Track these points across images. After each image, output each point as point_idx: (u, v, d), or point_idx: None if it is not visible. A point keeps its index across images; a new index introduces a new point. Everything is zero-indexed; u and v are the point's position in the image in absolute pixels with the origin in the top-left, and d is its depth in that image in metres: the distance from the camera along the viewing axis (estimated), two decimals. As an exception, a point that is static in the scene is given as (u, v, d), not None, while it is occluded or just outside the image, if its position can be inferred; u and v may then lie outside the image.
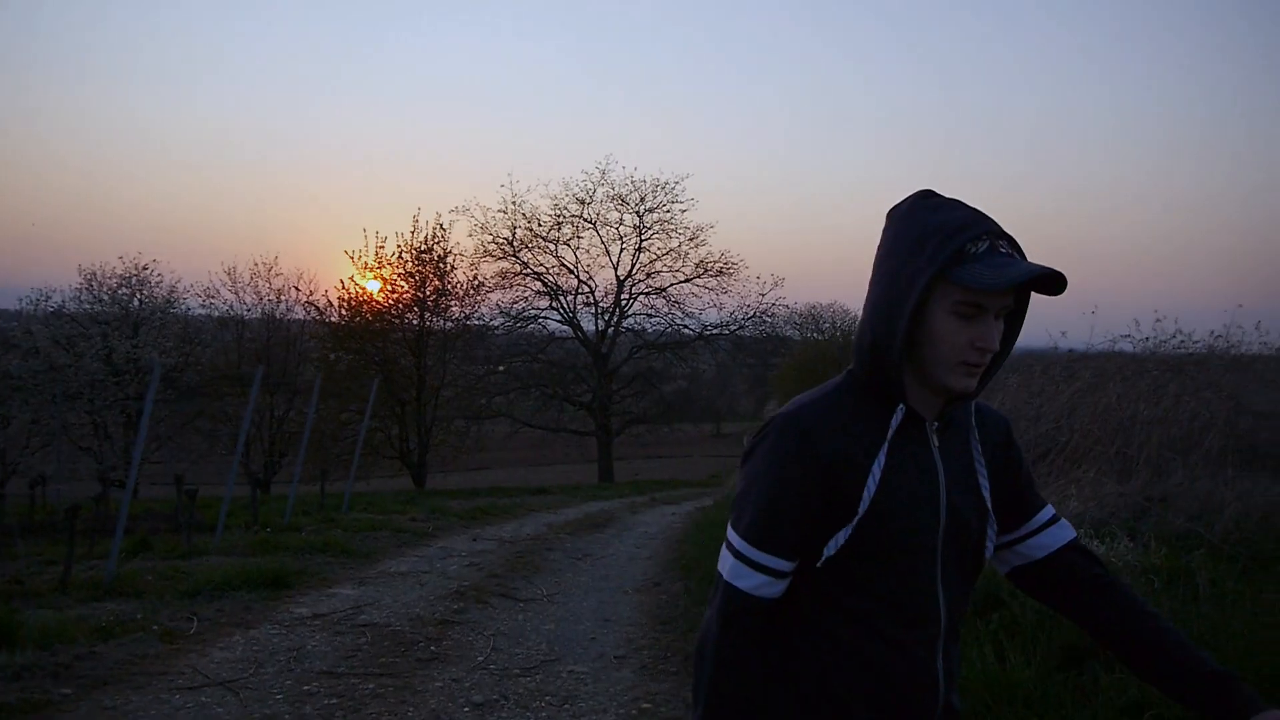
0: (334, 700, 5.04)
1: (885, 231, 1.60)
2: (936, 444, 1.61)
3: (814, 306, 52.30)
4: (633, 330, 36.14)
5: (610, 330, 35.46)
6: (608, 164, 35.79)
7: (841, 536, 1.53)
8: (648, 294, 35.45)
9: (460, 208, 37.91)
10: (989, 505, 1.63)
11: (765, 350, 44.72)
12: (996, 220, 1.54)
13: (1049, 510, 1.76)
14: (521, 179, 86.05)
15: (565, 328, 35.61)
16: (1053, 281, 1.50)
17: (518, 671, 5.67)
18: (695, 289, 35.10)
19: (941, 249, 1.48)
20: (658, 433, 37.87)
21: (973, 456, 1.65)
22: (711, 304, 35.18)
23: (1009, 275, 1.44)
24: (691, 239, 34.70)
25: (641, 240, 34.85)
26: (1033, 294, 1.61)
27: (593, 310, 35.40)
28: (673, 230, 34.60)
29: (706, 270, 34.79)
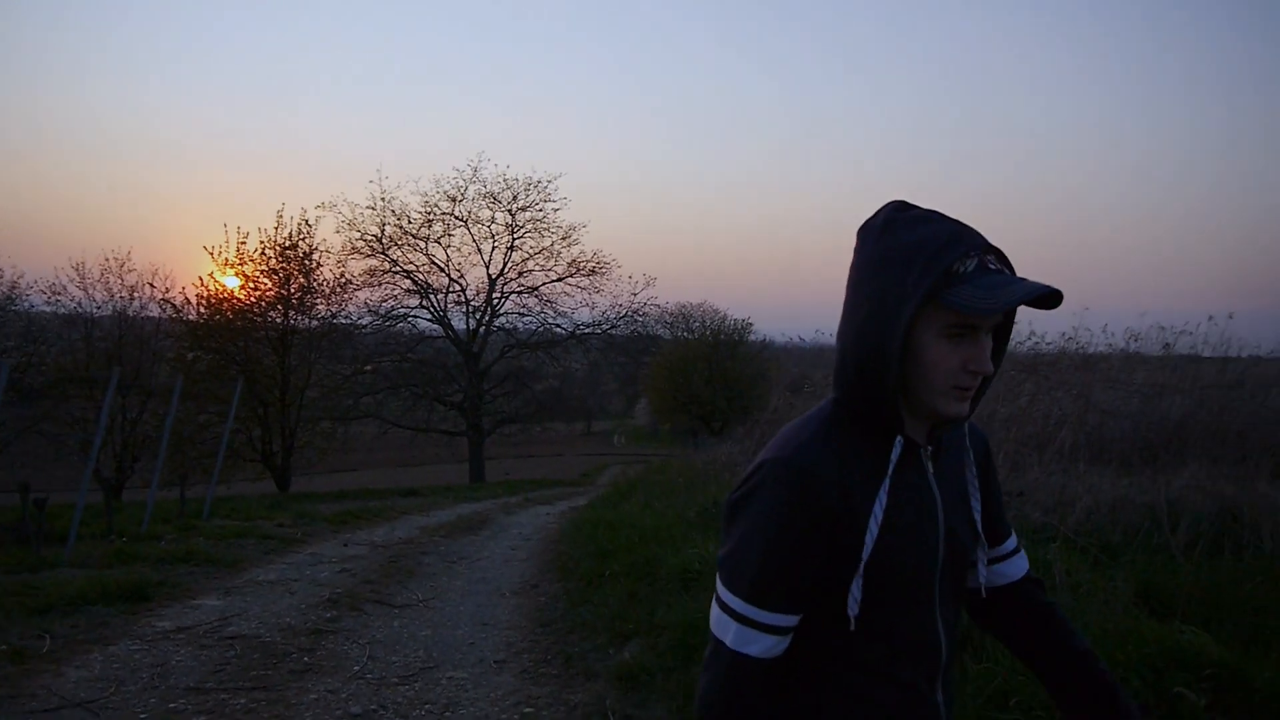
0: (203, 717, 4.85)
1: (860, 250, 1.49)
2: (931, 470, 1.54)
3: (685, 306, 53.05)
4: (504, 329, 35.89)
5: (482, 329, 35.13)
6: (480, 161, 35.57)
7: (856, 589, 1.42)
8: (520, 293, 35.29)
9: (327, 203, 36.87)
10: (979, 528, 1.58)
11: (637, 349, 45.02)
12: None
13: (1014, 538, 1.73)
14: (392, 175, 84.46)
15: (435, 327, 35.10)
16: (1048, 297, 1.40)
17: (396, 680, 5.56)
18: (567, 288, 35.13)
19: (929, 270, 1.38)
20: (529, 432, 37.73)
21: (967, 479, 1.60)
22: (584, 303, 35.28)
23: (1004, 298, 1.35)
24: (564, 238, 34.71)
25: (514, 239, 34.66)
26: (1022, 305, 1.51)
27: (464, 309, 35.02)
28: (545, 229, 34.55)
29: (579, 269, 34.85)
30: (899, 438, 1.46)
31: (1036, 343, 10.65)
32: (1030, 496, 7.14)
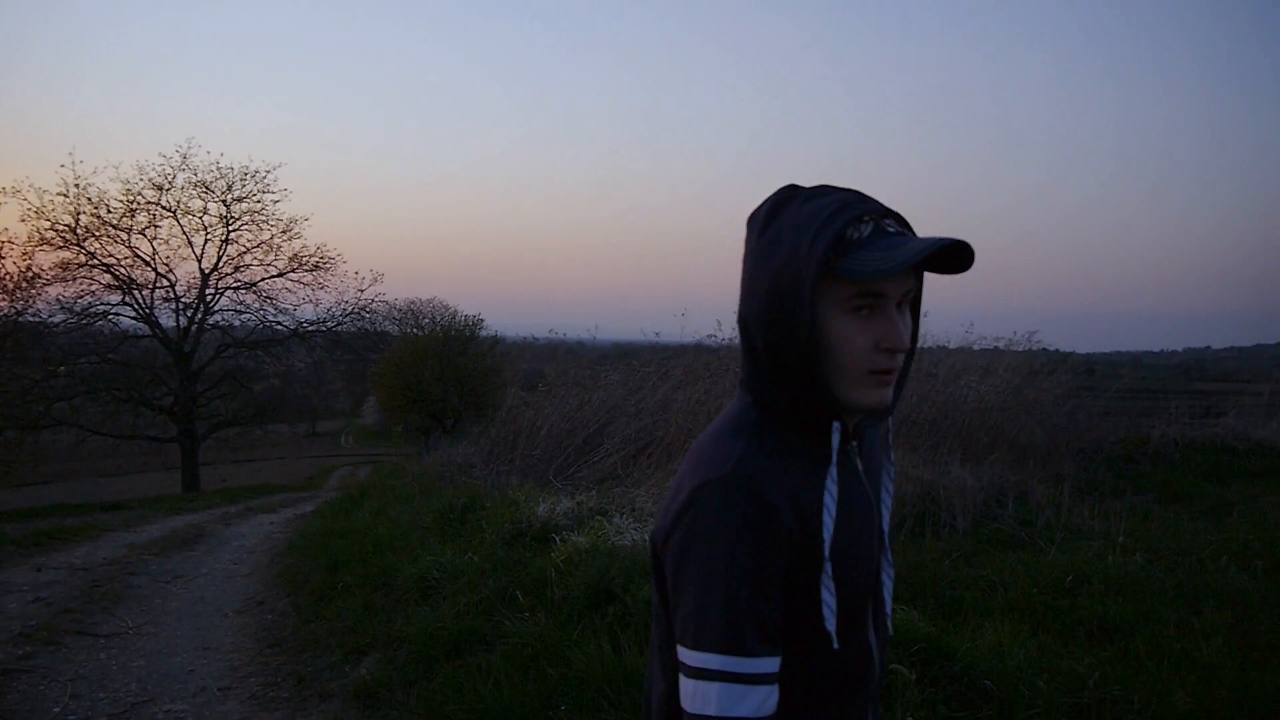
0: None
1: (749, 239, 1.35)
2: (860, 467, 1.40)
3: (414, 302, 51.93)
4: (220, 327, 33.73)
5: (194, 327, 32.82)
6: (190, 148, 33.12)
7: (829, 593, 1.27)
8: (237, 289, 33.27)
9: (10, 189, 33.19)
10: (886, 532, 1.45)
11: (364, 346, 43.65)
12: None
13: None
14: (87, 160, 77.43)
15: (141, 325, 32.44)
16: (957, 256, 1.28)
17: (104, 719, 5.10)
18: (289, 284, 33.49)
19: (820, 237, 1.24)
20: (249, 436, 35.69)
21: (883, 482, 1.46)
22: (307, 300, 33.78)
23: (901, 256, 1.21)
24: (285, 232, 33.02)
25: (229, 231, 32.59)
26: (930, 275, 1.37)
27: (173, 306, 32.54)
28: (264, 222, 32.71)
29: (301, 265, 33.31)
30: (835, 424, 1.30)
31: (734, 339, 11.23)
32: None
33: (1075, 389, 13.42)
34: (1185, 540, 6.62)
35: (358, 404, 74.94)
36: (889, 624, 1.48)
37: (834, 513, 1.26)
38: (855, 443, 1.39)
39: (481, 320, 51.58)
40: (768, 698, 1.22)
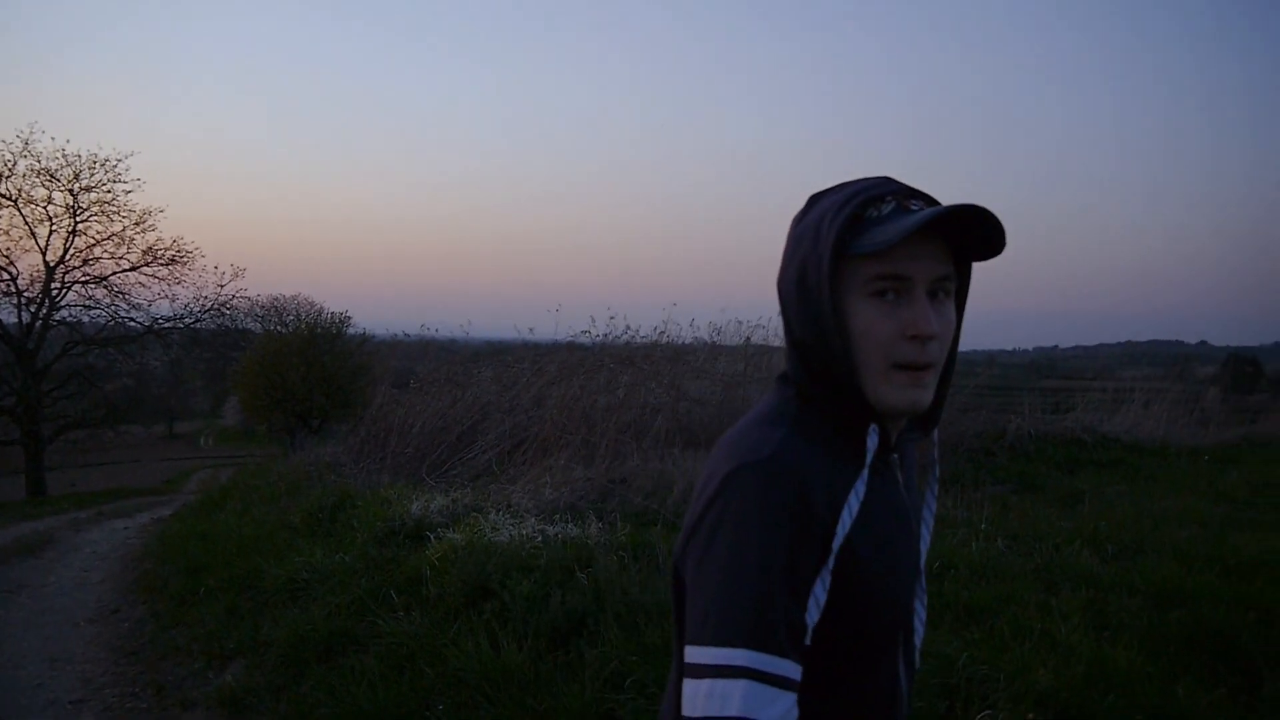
0: None
1: (786, 243, 1.29)
2: (901, 480, 1.30)
3: (277, 299, 50.37)
4: (67, 323, 31.98)
5: (38, 323, 31.05)
6: (32, 133, 31.35)
7: (820, 591, 1.13)
8: (85, 283, 31.58)
9: None
10: (922, 561, 1.34)
11: (224, 344, 42.11)
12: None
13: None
14: (-89, 143, 72.53)
15: (-22, 321, 30.53)
16: (989, 238, 1.20)
17: (-57, 739, 4.78)
18: (143, 278, 31.95)
19: (837, 217, 1.18)
20: (100, 437, 34.01)
21: (926, 501, 1.37)
22: (162, 295, 32.31)
23: (911, 222, 1.12)
24: (138, 224, 31.45)
25: (76, 222, 30.90)
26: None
27: (14, 301, 30.70)
28: (115, 213, 31.12)
29: (156, 258, 31.81)
30: (873, 425, 1.20)
31: (632, 336, 11.30)
32: (632, 483, 7.55)
33: (936, 385, 13.90)
34: (1041, 527, 6.94)
35: (218, 404, 72.19)
36: (917, 657, 1.38)
37: (855, 511, 1.15)
38: (896, 455, 1.28)
39: (348, 317, 50.35)
40: (792, 710, 1.07)
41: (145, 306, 32.23)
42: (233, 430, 70.26)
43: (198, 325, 34.39)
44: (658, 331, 11.52)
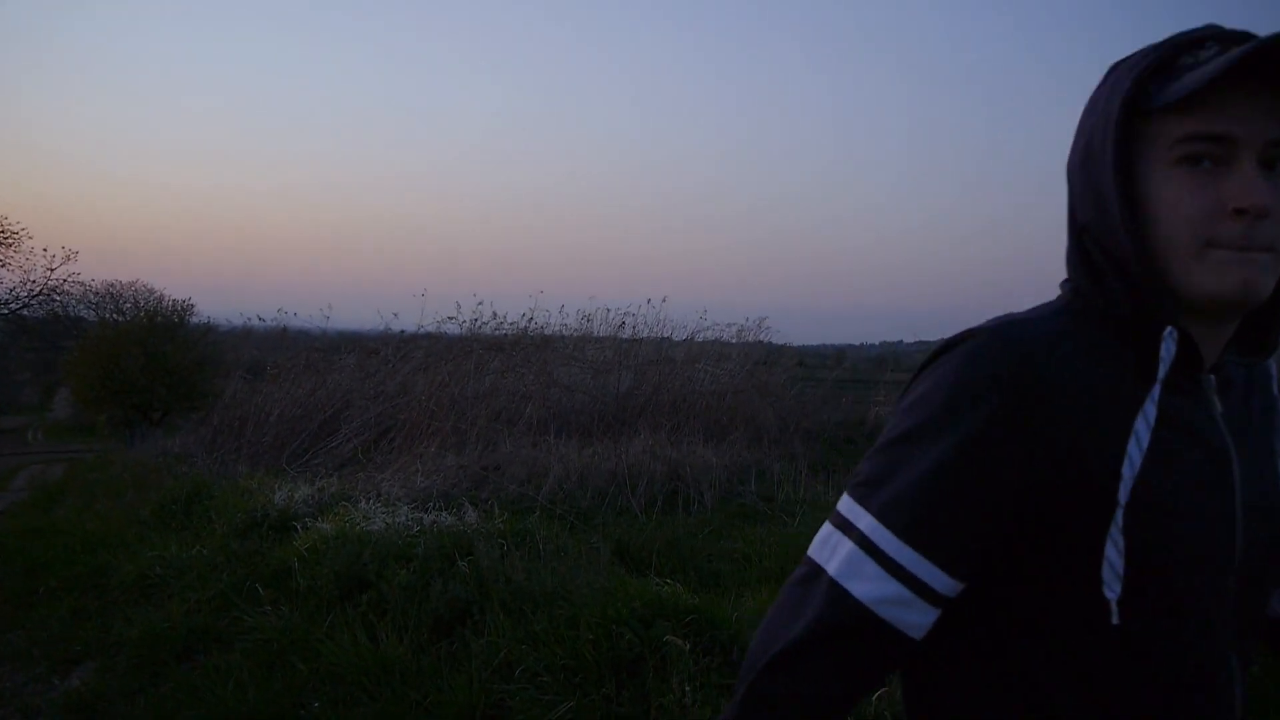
0: None
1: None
2: (1220, 409, 0.96)
3: (113, 285, 47.72)
4: (-126, 309, 29.57)
5: None
6: None
7: (1114, 550, 0.86)
8: (-102, 265, 29.28)
9: None
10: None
11: (54, 333, 39.65)
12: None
13: None
14: None
15: None
16: None
17: None
18: (-37, 261, 29.84)
19: (1140, 63, 0.91)
20: (-85, 432, 31.55)
21: (1275, 436, 1.01)
22: (-16, 278, 30.21)
23: (1234, 55, 0.82)
24: (-43, 202, 29.39)
25: (-113, 199, 28.61)
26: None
27: None
28: (-70, 190, 28.96)
29: (-22, 239, 29.77)
30: (1170, 329, 0.89)
31: (500, 323, 11.09)
32: (506, 470, 7.38)
33: (799, 377, 14.27)
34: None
35: (48, 397, 67.98)
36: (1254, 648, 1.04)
37: (1145, 445, 0.87)
38: (1213, 377, 0.97)
39: (191, 305, 48.12)
40: (903, 606, 0.90)
41: (-36, 290, 30.05)
42: (64, 424, 66.01)
43: (24, 311, 32.22)
44: (526, 319, 11.37)
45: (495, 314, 11.12)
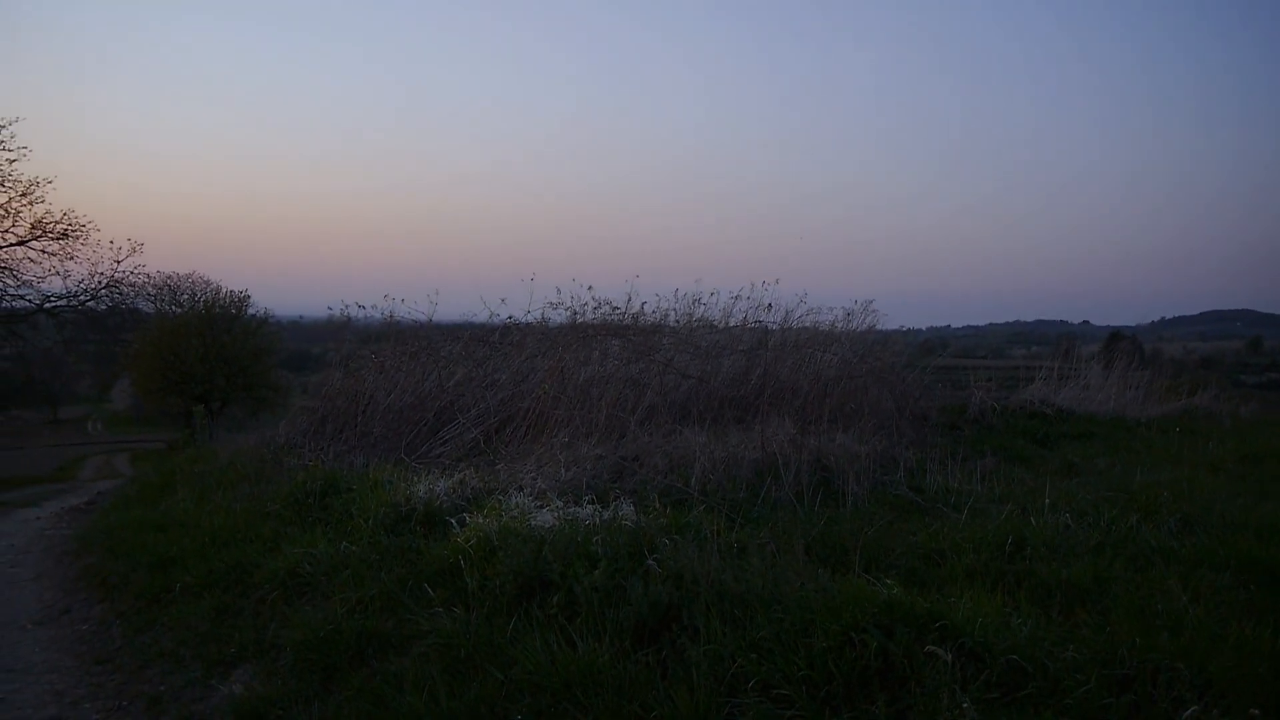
0: None
1: None
2: None
3: (171, 277, 48.07)
4: (-51, 301, 29.79)
5: (-83, 301, 28.86)
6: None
7: None
8: (-32, 258, 29.44)
9: None
10: None
11: (116, 325, 39.94)
12: None
13: None
14: None
15: None
16: None
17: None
18: (31, 253, 29.92)
19: None
20: (-13, 423, 31.89)
21: None
22: (54, 271, 30.29)
23: None
24: (24, 195, 29.41)
25: (-44, 193, 28.77)
26: None
27: (-111, 277, 28.48)
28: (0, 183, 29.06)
29: (46, 232, 29.80)
30: None
31: (613, 309, 10.75)
32: (645, 460, 7.02)
33: (899, 364, 13.79)
34: (1077, 499, 6.64)
35: (107, 388, 68.86)
36: None
37: None
38: None
39: (248, 296, 48.42)
40: None
41: (35, 283, 30.16)
42: (123, 415, 67.14)
43: (92, 303, 32.35)
44: (629, 302, 11.01)
45: (599, 300, 10.80)
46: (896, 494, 6.91)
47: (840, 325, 12.25)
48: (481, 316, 10.71)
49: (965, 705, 3.14)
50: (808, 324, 12.39)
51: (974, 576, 4.81)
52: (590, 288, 10.81)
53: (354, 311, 11.34)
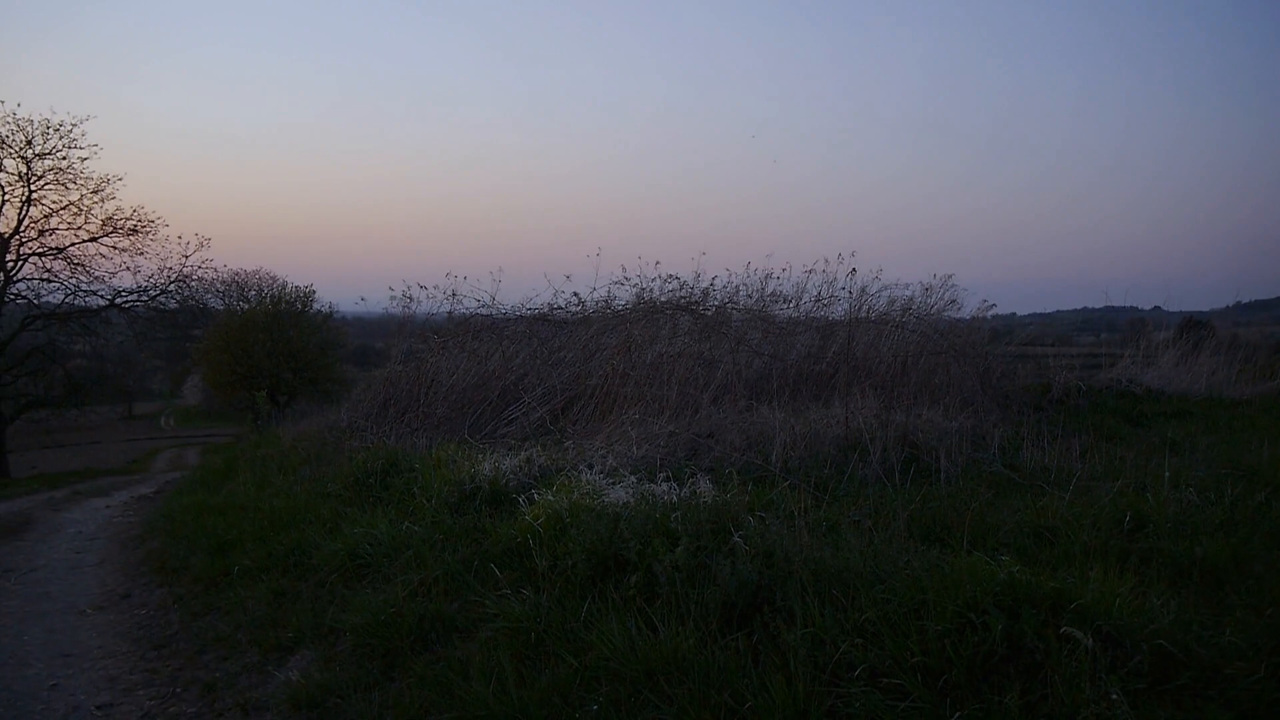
0: None
1: None
2: None
3: (239, 273, 48.74)
4: (25, 298, 30.32)
5: (-6, 298, 29.42)
6: (-22, 98, 29.55)
7: None
8: (43, 255, 29.93)
9: None
10: None
11: (185, 321, 40.52)
12: None
13: None
14: None
15: (-72, 296, 28.83)
16: None
17: (-51, 761, 3.79)
18: (103, 249, 30.35)
19: None
20: (63, 417, 32.39)
21: None
22: (124, 266, 30.74)
23: None
24: (95, 192, 29.82)
25: (31, 191, 29.24)
26: None
27: (-33, 274, 29.06)
28: (71, 181, 29.45)
29: (116, 228, 30.20)
30: None
31: (682, 284, 10.36)
32: (720, 437, 6.63)
33: (982, 341, 13.27)
34: (1192, 476, 6.10)
35: (178, 384, 70.25)
36: None
37: None
38: None
39: (313, 291, 48.93)
40: None
41: (106, 279, 30.61)
42: (194, 410, 68.31)
43: (162, 298, 32.76)
44: (696, 278, 10.59)
45: (666, 275, 10.39)
46: (991, 470, 6.44)
47: (919, 300, 11.75)
48: (546, 296, 10.41)
49: (1115, 696, 2.71)
50: (883, 300, 11.90)
51: (1092, 555, 4.34)
52: (658, 262, 10.45)
53: (415, 292, 11.11)
